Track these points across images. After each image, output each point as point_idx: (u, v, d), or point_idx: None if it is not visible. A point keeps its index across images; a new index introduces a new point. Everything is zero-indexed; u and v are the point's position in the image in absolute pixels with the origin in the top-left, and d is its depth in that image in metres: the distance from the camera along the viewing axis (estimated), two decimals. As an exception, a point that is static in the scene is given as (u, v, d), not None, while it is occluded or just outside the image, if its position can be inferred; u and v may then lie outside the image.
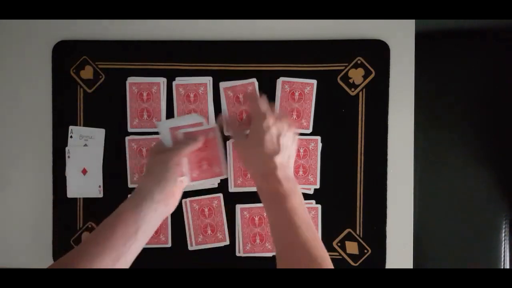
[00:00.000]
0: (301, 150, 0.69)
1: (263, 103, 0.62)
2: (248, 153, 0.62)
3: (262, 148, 0.59)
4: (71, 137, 0.70)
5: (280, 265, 0.55)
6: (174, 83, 0.70)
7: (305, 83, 0.69)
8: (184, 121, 0.67)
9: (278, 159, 0.59)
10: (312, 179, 0.69)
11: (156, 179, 0.59)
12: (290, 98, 0.69)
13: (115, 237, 0.54)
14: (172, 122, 0.66)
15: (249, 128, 0.62)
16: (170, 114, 0.70)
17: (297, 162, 0.69)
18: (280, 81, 0.69)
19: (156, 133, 0.70)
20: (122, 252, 0.53)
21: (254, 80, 0.69)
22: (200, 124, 0.67)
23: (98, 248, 0.53)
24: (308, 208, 0.69)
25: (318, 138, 0.69)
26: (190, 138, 0.64)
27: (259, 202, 0.69)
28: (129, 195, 0.61)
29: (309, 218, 0.57)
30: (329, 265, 0.53)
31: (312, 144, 0.69)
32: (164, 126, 0.66)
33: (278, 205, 0.57)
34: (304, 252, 0.53)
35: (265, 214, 0.69)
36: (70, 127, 0.70)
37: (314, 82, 0.69)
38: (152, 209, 0.57)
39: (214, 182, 0.68)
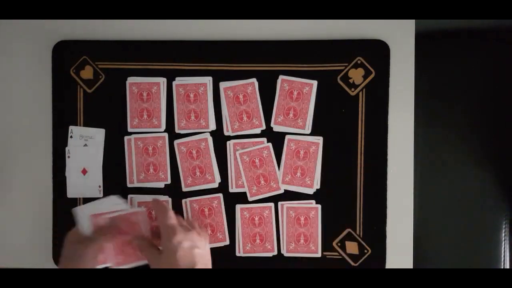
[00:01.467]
0: (301, 152, 0.69)
1: (171, 216, 0.60)
2: (162, 263, 0.59)
3: (177, 265, 0.57)
4: (71, 137, 0.70)
5: None
6: (174, 83, 0.70)
7: (304, 83, 0.69)
8: (105, 206, 0.62)
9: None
10: (309, 182, 0.69)
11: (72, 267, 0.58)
12: (289, 96, 0.69)
13: None
14: (93, 208, 0.61)
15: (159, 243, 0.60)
16: (170, 114, 0.70)
17: (296, 163, 0.69)
18: (280, 79, 0.69)
19: (157, 132, 0.70)
20: None
21: (254, 80, 0.69)
22: (122, 209, 0.62)
23: None
24: (308, 208, 0.69)
25: (320, 142, 0.69)
26: (109, 226, 0.61)
27: (259, 202, 0.70)
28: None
29: None
30: None
31: (313, 147, 0.69)
32: (84, 213, 0.60)
33: None
34: None
35: (265, 214, 0.69)
36: (70, 127, 0.70)
37: (314, 82, 0.69)
38: None
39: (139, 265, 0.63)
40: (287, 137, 0.69)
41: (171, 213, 0.61)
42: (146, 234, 0.63)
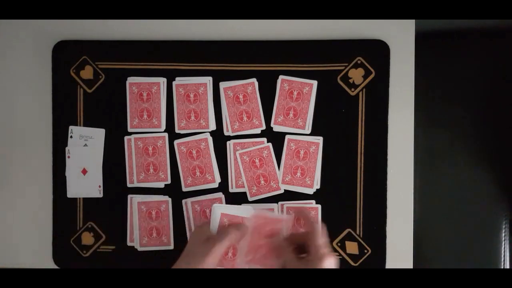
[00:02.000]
0: (301, 152, 0.69)
1: (323, 234, 0.58)
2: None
3: None
4: (71, 137, 0.70)
5: None
6: (174, 83, 0.70)
7: (304, 83, 0.69)
8: (238, 211, 0.61)
9: None
10: (309, 182, 0.69)
11: (194, 265, 0.56)
12: (288, 96, 0.69)
13: None
14: (227, 209, 0.61)
15: (302, 255, 0.58)
16: (170, 114, 0.70)
17: (296, 163, 0.69)
18: (280, 79, 0.69)
19: (157, 132, 0.70)
20: None
21: (254, 80, 0.69)
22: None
23: None
24: (308, 208, 0.69)
25: (320, 142, 0.69)
26: (236, 227, 0.60)
27: (260, 202, 0.70)
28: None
29: None
30: None
31: (313, 147, 0.69)
32: (218, 210, 0.60)
33: None
34: None
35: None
36: (70, 127, 0.70)
37: (314, 82, 0.69)
38: None
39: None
40: (287, 137, 0.69)
41: (324, 233, 0.59)
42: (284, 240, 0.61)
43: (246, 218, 0.60)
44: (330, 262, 0.55)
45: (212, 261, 0.56)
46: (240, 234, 0.59)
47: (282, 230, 0.61)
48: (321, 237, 0.58)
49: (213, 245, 0.56)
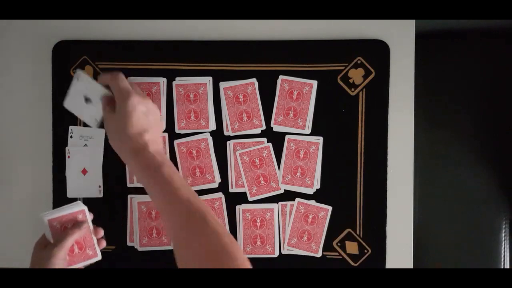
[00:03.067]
0: (301, 152, 0.69)
1: (124, 80, 0.61)
2: (116, 130, 0.61)
3: (131, 127, 0.59)
4: (71, 137, 0.70)
5: (164, 221, 0.59)
6: (174, 83, 0.70)
7: (304, 83, 0.69)
8: (62, 211, 0.62)
9: (147, 136, 0.60)
10: (309, 182, 0.69)
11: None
12: (288, 96, 0.69)
13: None
14: (52, 214, 0.62)
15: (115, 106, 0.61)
16: (170, 114, 0.70)
17: (296, 163, 0.69)
18: (280, 79, 0.69)
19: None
20: None
21: (254, 80, 0.69)
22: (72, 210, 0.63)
23: None
24: (319, 208, 0.69)
25: (320, 142, 0.69)
26: (71, 227, 0.61)
27: (260, 202, 0.70)
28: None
29: (185, 182, 0.59)
30: (212, 219, 0.55)
31: (313, 147, 0.69)
32: (44, 218, 0.61)
33: (154, 174, 0.59)
34: (184, 206, 0.56)
35: (267, 217, 0.69)
36: (70, 127, 0.70)
37: (314, 82, 0.69)
38: None
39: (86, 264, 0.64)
40: (287, 137, 0.69)
41: (124, 77, 0.62)
42: (92, 235, 0.63)
43: (63, 220, 0.62)
44: (136, 99, 0.60)
45: (56, 262, 0.58)
46: (80, 230, 0.61)
47: (86, 220, 0.63)
48: (121, 81, 0.61)
49: (52, 248, 0.58)
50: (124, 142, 0.61)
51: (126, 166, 0.69)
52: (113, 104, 0.62)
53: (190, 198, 0.57)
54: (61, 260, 0.59)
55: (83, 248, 0.63)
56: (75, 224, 0.62)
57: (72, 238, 0.60)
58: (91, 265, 0.63)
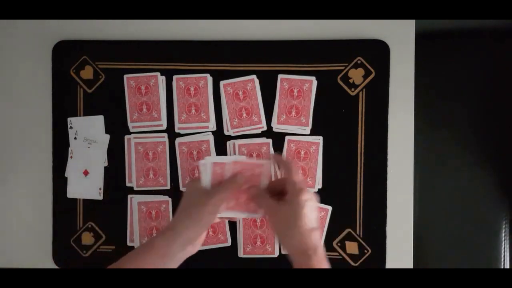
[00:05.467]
0: (302, 152, 0.69)
1: (298, 173, 0.60)
2: (285, 226, 0.57)
3: (301, 219, 0.55)
4: (75, 138, 0.70)
5: None
6: (174, 77, 0.69)
7: (303, 80, 0.69)
8: (228, 158, 0.62)
9: (318, 235, 0.56)
10: (310, 182, 0.69)
11: (192, 221, 0.57)
12: (289, 95, 0.69)
13: (143, 266, 0.56)
14: (216, 158, 0.61)
15: (282, 199, 0.58)
16: (170, 108, 0.70)
17: (297, 164, 0.69)
18: (279, 78, 0.69)
19: (158, 131, 0.70)
20: None
21: (254, 76, 0.69)
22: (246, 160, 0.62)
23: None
24: (319, 208, 0.69)
25: (320, 141, 0.69)
26: (229, 180, 0.59)
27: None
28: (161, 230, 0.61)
29: None
30: None
31: (313, 147, 0.69)
32: (208, 162, 0.59)
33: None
34: None
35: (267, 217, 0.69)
36: (75, 129, 0.70)
37: (313, 78, 0.69)
38: (182, 248, 0.57)
39: (244, 216, 0.65)
40: (287, 138, 0.69)
41: (298, 170, 0.61)
42: (264, 187, 0.61)
43: (227, 164, 0.59)
44: (308, 196, 0.56)
45: (212, 209, 0.57)
46: (237, 185, 0.59)
47: (262, 175, 0.61)
48: (296, 174, 0.59)
49: (213, 195, 0.57)
50: (295, 240, 0.56)
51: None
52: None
53: None
54: (214, 213, 0.57)
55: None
56: (233, 177, 0.59)
57: (228, 192, 0.58)
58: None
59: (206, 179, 0.58)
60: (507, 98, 0.81)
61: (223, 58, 0.69)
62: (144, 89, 0.70)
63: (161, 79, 0.70)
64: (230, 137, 0.70)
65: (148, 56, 0.70)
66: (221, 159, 0.59)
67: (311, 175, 0.69)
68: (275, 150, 0.69)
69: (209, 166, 0.58)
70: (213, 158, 0.61)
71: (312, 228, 0.56)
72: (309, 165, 0.69)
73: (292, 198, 0.57)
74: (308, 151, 0.69)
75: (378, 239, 0.69)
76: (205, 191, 0.58)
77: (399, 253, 0.69)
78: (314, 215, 0.57)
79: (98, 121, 0.70)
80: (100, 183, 0.70)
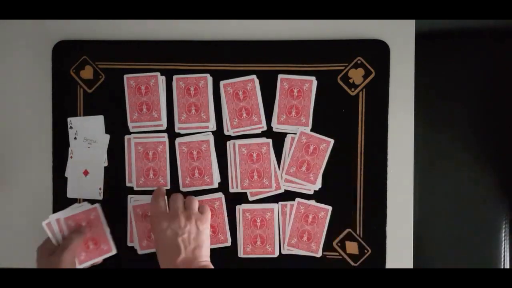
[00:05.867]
0: (311, 147, 0.69)
1: (155, 205, 0.63)
2: (157, 250, 0.63)
3: (164, 252, 0.61)
4: (75, 138, 0.70)
5: None
6: (174, 77, 0.69)
7: (303, 80, 0.69)
8: (66, 211, 0.64)
9: (180, 259, 0.60)
10: (312, 178, 0.69)
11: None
12: (289, 95, 0.69)
13: None
14: (55, 215, 0.64)
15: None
16: (170, 108, 0.70)
17: (304, 157, 0.69)
18: (279, 78, 0.69)
19: (158, 131, 0.70)
20: None
21: (254, 76, 0.69)
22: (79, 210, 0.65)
23: None
24: (319, 208, 0.69)
25: (332, 140, 0.69)
26: (73, 231, 0.63)
27: (261, 202, 0.70)
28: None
29: None
30: None
31: (323, 145, 0.69)
32: (52, 218, 0.63)
33: None
34: None
35: (267, 216, 0.69)
36: (75, 129, 0.70)
37: (313, 78, 0.69)
38: None
39: (100, 260, 0.66)
40: (300, 129, 0.69)
41: (158, 201, 0.63)
42: (107, 228, 0.66)
43: (60, 222, 0.63)
44: (163, 229, 0.61)
45: (67, 267, 0.59)
46: (81, 235, 0.63)
47: (99, 219, 0.66)
48: (152, 208, 0.63)
49: (61, 253, 0.59)
50: (164, 262, 0.62)
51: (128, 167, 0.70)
52: None
53: None
54: (71, 264, 0.60)
55: (98, 244, 0.65)
56: (77, 228, 0.64)
57: (79, 240, 0.62)
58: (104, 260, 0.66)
59: (53, 237, 0.63)
60: (507, 98, 0.81)
61: (223, 58, 0.69)
62: (144, 89, 0.70)
63: (161, 79, 0.70)
64: (230, 137, 0.70)
65: (148, 56, 0.70)
66: (60, 215, 0.63)
67: (315, 171, 0.69)
68: (275, 150, 0.69)
69: (54, 223, 0.63)
70: (55, 214, 0.64)
71: (172, 255, 0.60)
72: (314, 161, 0.69)
73: (153, 233, 0.63)
74: (317, 148, 0.69)
75: (378, 239, 0.69)
76: (54, 249, 0.61)
77: (399, 253, 0.69)
78: (172, 243, 0.60)
79: (98, 121, 0.70)
80: (100, 183, 0.70)
